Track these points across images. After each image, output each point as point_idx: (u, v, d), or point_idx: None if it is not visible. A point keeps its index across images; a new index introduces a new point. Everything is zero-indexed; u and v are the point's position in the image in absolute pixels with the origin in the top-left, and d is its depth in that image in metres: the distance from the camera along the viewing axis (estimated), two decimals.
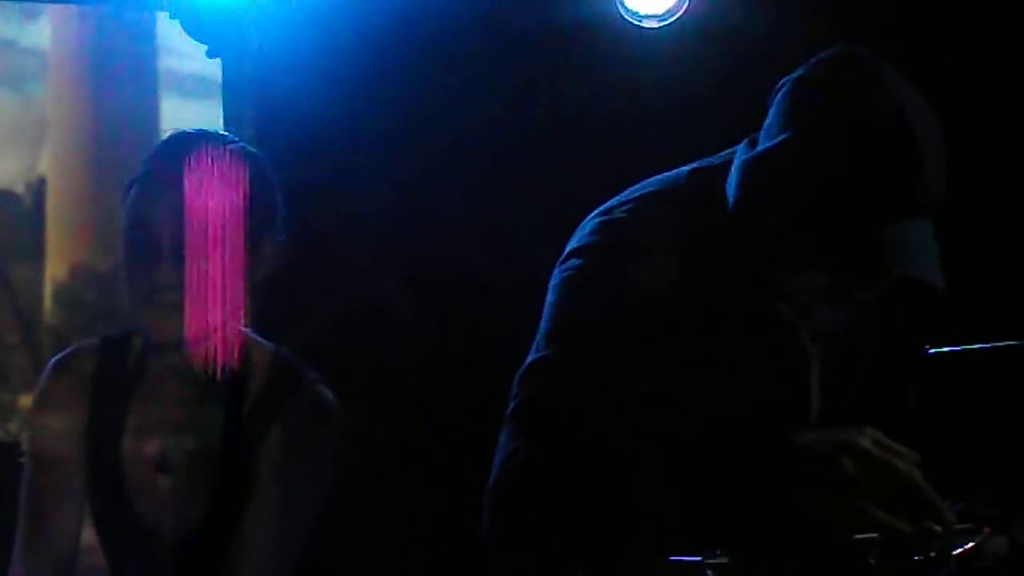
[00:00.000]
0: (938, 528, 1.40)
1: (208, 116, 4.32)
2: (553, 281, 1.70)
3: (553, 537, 1.56)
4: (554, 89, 3.40)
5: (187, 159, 1.82)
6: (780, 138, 1.58)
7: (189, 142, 1.87)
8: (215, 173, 1.83)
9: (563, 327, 1.65)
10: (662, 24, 3.28)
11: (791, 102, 1.61)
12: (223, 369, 1.85)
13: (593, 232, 1.69)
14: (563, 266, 1.70)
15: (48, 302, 4.46)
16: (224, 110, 3.93)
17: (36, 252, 4.47)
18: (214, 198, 1.82)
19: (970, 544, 1.43)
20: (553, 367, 1.62)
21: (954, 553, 1.41)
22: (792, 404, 1.65)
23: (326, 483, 1.90)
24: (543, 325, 1.68)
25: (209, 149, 1.86)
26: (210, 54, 4.11)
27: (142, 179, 1.86)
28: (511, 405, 1.63)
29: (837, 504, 1.41)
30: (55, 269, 4.48)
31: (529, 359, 1.65)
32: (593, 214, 1.73)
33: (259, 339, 1.94)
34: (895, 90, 1.57)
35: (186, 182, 1.80)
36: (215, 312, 1.83)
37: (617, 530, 1.53)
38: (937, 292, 1.55)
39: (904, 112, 1.54)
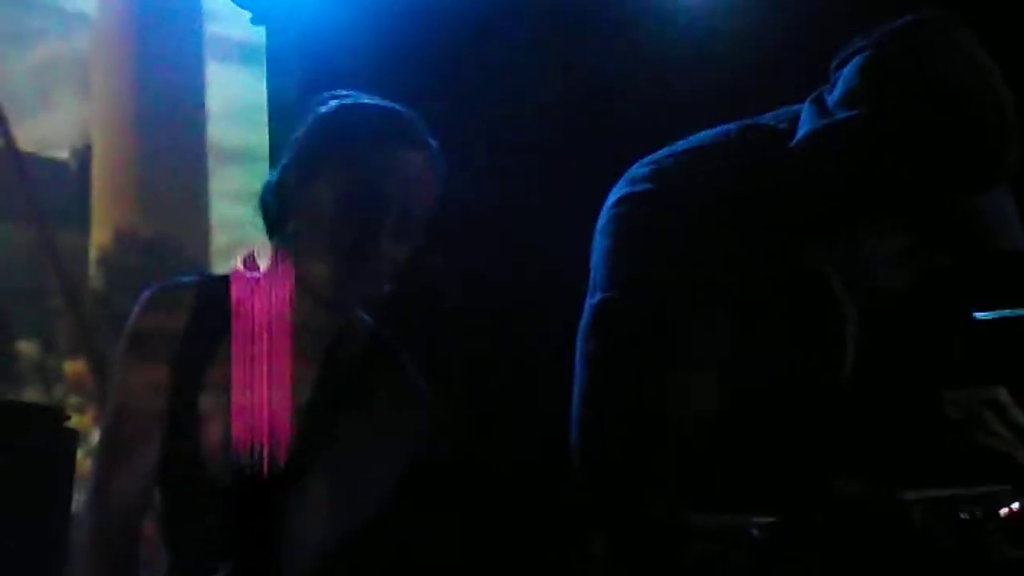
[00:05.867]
0: None
1: (252, 83, 4.35)
2: (602, 224, 1.71)
3: (638, 475, 1.60)
4: (595, 56, 3.39)
5: (410, 139, 1.87)
6: (864, 109, 1.56)
7: (407, 122, 1.90)
8: (431, 160, 1.88)
9: (627, 272, 1.66)
10: None
11: (872, 73, 1.58)
12: (332, 334, 1.88)
13: (645, 179, 1.70)
14: (614, 210, 1.70)
15: (93, 268, 4.49)
16: (268, 77, 3.95)
17: (82, 218, 4.50)
18: (425, 186, 1.87)
19: (1015, 504, 1.44)
20: (620, 310, 1.64)
21: (1000, 513, 1.42)
22: (825, 362, 1.66)
23: (399, 463, 1.90)
24: (601, 269, 1.68)
25: (423, 134, 1.89)
26: (254, 21, 4.14)
27: (366, 143, 1.86)
28: (588, 345, 1.65)
29: (987, 448, 1.57)
30: (100, 235, 4.51)
31: (594, 300, 1.67)
32: (641, 162, 1.74)
33: (362, 314, 1.95)
34: (975, 57, 1.55)
35: (412, 163, 1.85)
36: (370, 287, 1.86)
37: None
38: None
39: (989, 79, 1.53)
